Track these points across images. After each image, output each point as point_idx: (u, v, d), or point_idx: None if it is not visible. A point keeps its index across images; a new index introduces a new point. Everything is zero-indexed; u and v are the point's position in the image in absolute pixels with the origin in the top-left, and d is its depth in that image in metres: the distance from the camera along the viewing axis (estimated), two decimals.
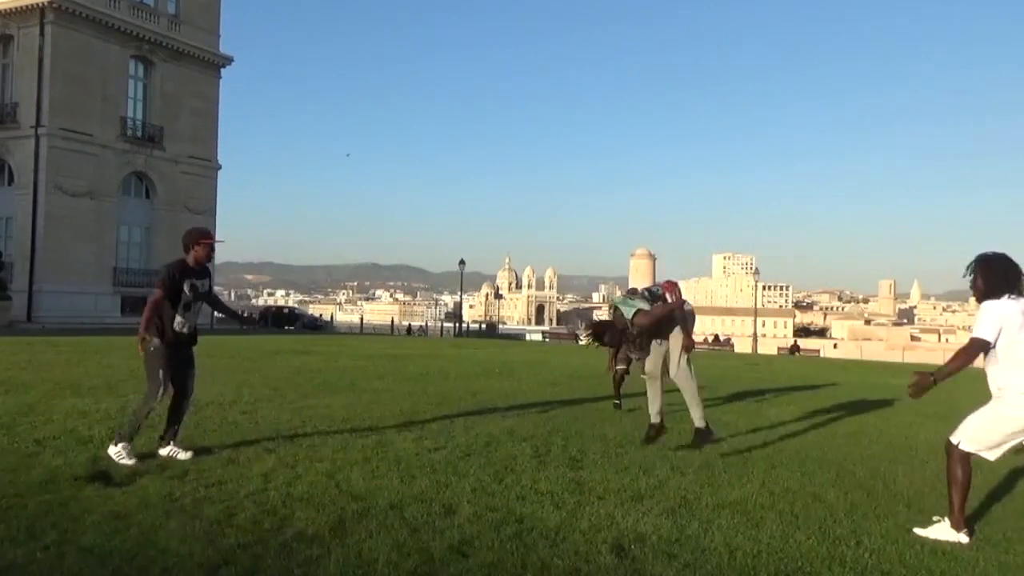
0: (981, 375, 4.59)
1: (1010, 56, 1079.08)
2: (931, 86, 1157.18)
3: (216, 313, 6.61)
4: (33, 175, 35.70)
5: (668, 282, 7.54)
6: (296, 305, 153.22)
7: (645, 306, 7.12)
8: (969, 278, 4.55)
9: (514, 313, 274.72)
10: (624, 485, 5.46)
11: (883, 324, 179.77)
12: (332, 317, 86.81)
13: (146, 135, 40.10)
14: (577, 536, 4.22)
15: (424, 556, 3.77)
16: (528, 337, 67.93)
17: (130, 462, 5.48)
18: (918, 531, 4.52)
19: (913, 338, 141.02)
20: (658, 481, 5.63)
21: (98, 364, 12.97)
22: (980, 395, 4.61)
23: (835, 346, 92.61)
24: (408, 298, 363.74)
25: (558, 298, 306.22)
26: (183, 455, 5.78)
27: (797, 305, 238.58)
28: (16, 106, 36.59)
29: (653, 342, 7.27)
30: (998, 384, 4.43)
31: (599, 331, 8.28)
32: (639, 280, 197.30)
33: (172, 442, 5.89)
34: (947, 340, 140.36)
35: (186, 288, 5.74)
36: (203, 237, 5.87)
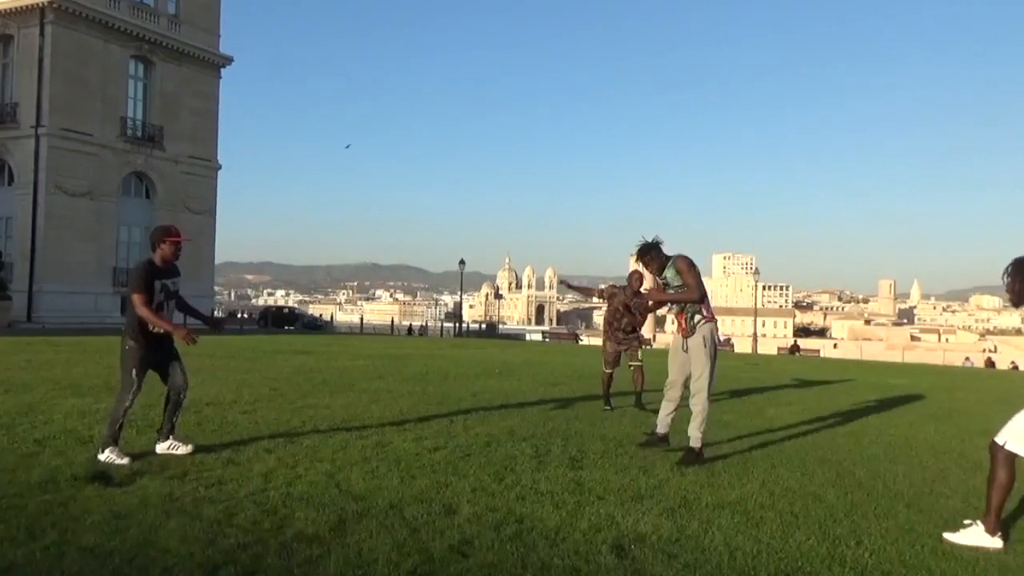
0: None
1: (1011, 56, 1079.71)
2: (930, 86, 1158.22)
3: (216, 298, 6.55)
4: (33, 175, 35.76)
5: (635, 273, 7.38)
6: (296, 305, 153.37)
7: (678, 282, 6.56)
8: (1007, 281, 4.46)
9: (514, 313, 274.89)
10: (624, 485, 5.46)
11: (883, 324, 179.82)
12: (332, 317, 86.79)
13: (146, 135, 40.15)
14: (577, 536, 4.22)
15: (424, 556, 3.77)
16: (528, 337, 67.89)
17: (123, 461, 5.47)
18: (948, 536, 4.40)
19: (913, 338, 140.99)
20: (658, 481, 5.63)
21: (98, 364, 12.97)
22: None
23: (835, 346, 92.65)
24: (408, 298, 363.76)
25: (558, 298, 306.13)
26: (182, 449, 5.80)
27: (797, 305, 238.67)
28: (16, 106, 36.65)
29: (678, 347, 6.69)
30: None
31: (610, 292, 9.45)
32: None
33: (171, 436, 5.90)
34: (947, 340, 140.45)
35: (157, 288, 5.73)
36: (168, 235, 5.83)
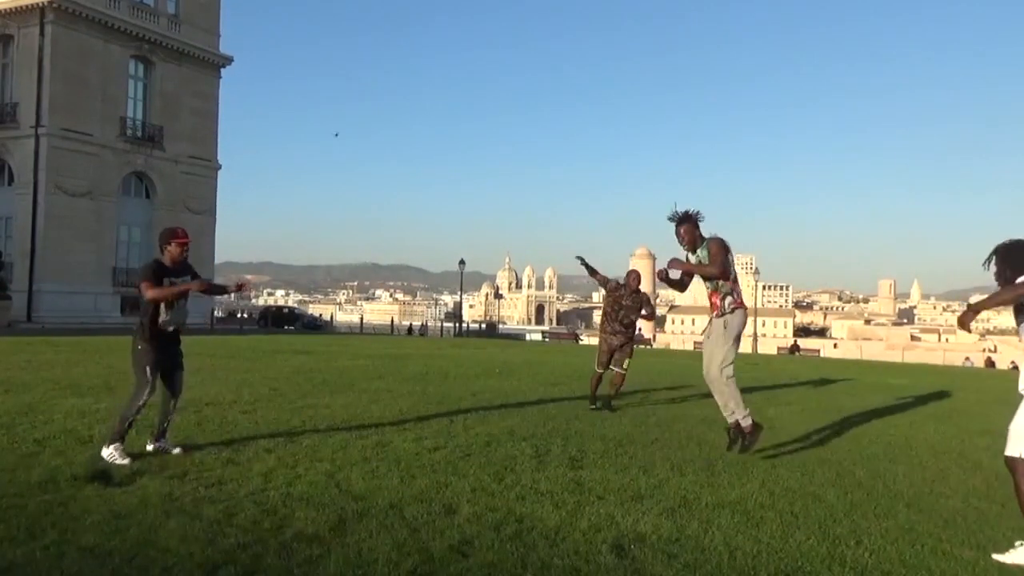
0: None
1: (1011, 56, 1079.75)
2: (930, 86, 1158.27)
3: (217, 298, 6.48)
4: (33, 175, 35.76)
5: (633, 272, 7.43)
6: (296, 305, 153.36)
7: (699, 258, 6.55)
8: (992, 269, 4.40)
9: (514, 313, 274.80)
10: (624, 485, 5.46)
11: (883, 324, 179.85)
12: (332, 317, 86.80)
13: (146, 135, 40.16)
14: (577, 536, 4.22)
15: (424, 556, 3.77)
16: (528, 337, 67.93)
17: (124, 461, 5.48)
18: (998, 557, 4.18)
19: (913, 338, 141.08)
20: (658, 481, 5.63)
21: (98, 364, 12.97)
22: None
23: (835, 346, 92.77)
24: (408, 298, 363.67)
25: (558, 298, 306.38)
26: (174, 451, 5.83)
27: (797, 305, 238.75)
28: (16, 106, 36.65)
29: (707, 335, 6.61)
30: None
31: (613, 286, 9.67)
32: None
33: (161, 440, 5.92)
34: (947, 340, 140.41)
35: (165, 284, 5.73)
36: (174, 237, 5.86)
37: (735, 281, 6.55)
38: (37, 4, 35.76)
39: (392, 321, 73.91)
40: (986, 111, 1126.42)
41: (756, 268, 77.77)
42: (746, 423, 6.39)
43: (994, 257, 4.43)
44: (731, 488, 5.49)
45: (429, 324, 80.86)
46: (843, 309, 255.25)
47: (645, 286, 10.42)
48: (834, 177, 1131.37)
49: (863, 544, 4.29)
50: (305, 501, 4.65)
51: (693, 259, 6.62)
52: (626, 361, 9.81)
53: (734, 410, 6.44)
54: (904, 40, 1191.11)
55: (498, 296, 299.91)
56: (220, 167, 44.65)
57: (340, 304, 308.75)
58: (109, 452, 5.56)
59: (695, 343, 60.24)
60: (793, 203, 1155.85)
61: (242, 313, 62.36)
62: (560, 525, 4.39)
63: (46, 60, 35.94)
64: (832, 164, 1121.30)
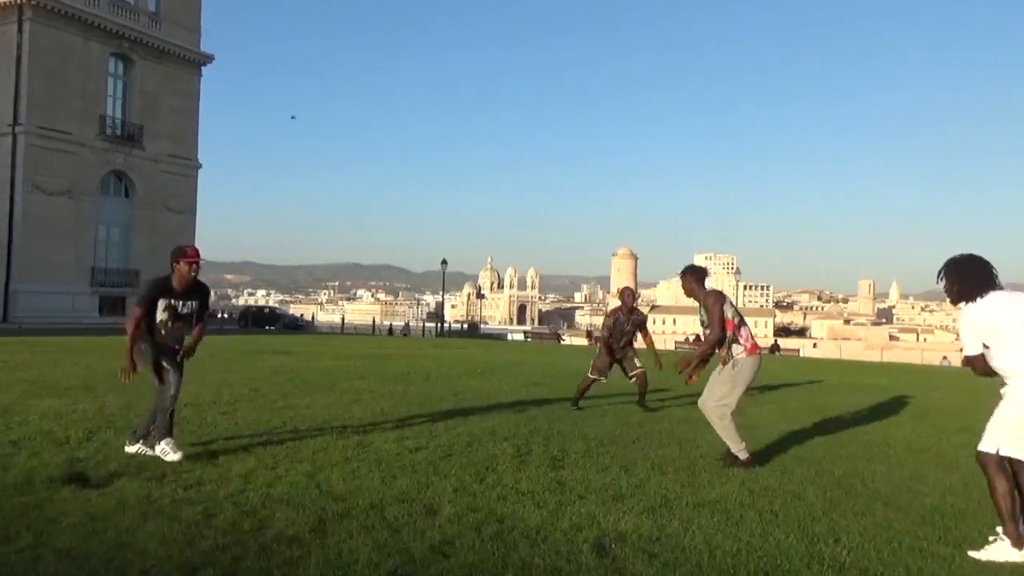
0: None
1: (987, 57, 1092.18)
2: (908, 87, 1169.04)
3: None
4: (10, 173, 35.39)
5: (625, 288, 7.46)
6: (277, 305, 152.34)
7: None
8: (943, 284, 4.51)
9: (496, 313, 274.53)
10: (605, 484, 5.47)
11: (862, 324, 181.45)
12: (313, 317, 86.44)
13: (125, 133, 39.83)
14: (558, 535, 4.22)
15: (405, 556, 3.77)
16: (510, 337, 67.91)
17: (176, 456, 5.51)
18: (974, 554, 4.22)
19: (892, 338, 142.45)
20: (639, 480, 5.65)
21: (75, 365, 12.85)
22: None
23: (815, 345, 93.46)
24: (390, 298, 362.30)
25: (540, 298, 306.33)
26: (150, 452, 5.74)
27: (778, 305, 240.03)
28: None
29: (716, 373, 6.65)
30: (1007, 376, 4.36)
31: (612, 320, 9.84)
32: (622, 280, 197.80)
33: (143, 440, 5.86)
34: (925, 340, 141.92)
35: (160, 308, 5.66)
36: (184, 256, 5.66)
37: (739, 327, 6.53)
38: (15, 1, 35.39)
39: (374, 321, 73.69)
40: (964, 112, 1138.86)
41: (737, 268, 78.26)
42: (743, 456, 6.37)
43: (944, 271, 4.50)
44: (711, 487, 5.52)
45: (411, 324, 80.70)
46: (823, 309, 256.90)
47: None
48: (815, 178, 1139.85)
49: (841, 542, 4.33)
50: (285, 502, 4.63)
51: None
52: (636, 360, 9.93)
53: (728, 443, 6.44)
54: (882, 40, 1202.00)
55: (480, 296, 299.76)
56: (200, 166, 44.37)
57: (321, 304, 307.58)
58: (161, 448, 5.60)
59: (676, 343, 60.51)
60: (774, 204, 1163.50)
61: (222, 313, 61.98)
62: (541, 525, 4.40)
63: (24, 57, 35.57)
64: (813, 165, 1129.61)
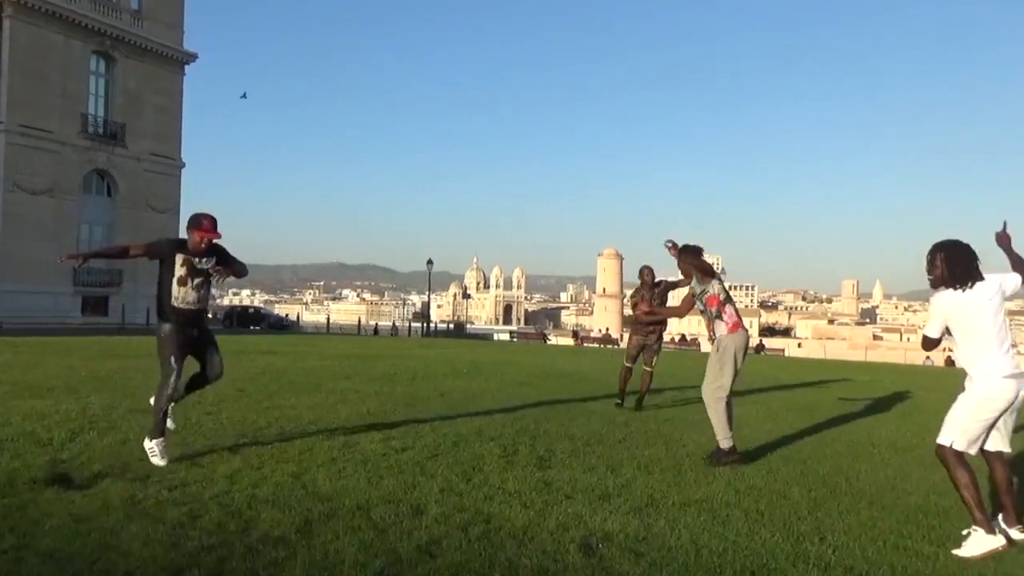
0: (941, 375, 4.63)
1: (971, 59, 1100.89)
2: (892, 88, 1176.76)
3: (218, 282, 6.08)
4: None
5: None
6: (262, 305, 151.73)
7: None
8: (937, 266, 4.50)
9: (482, 313, 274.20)
10: (591, 484, 5.48)
11: (846, 324, 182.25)
12: (298, 317, 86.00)
13: (108, 132, 39.55)
14: (545, 535, 4.23)
15: (391, 557, 3.76)
16: (496, 337, 67.90)
17: (162, 463, 5.42)
18: (957, 552, 4.24)
19: (875, 337, 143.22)
20: (625, 480, 5.66)
21: (58, 365, 12.73)
22: (941, 395, 4.64)
23: (799, 345, 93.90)
24: (375, 298, 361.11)
25: (526, 298, 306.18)
26: (159, 461, 5.51)
27: (763, 305, 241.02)
28: None
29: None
30: (970, 373, 4.45)
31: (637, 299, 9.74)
32: (608, 280, 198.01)
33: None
34: (908, 339, 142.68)
35: (178, 262, 5.60)
36: (198, 228, 5.62)
37: (724, 304, 6.64)
38: None
39: (359, 321, 73.42)
40: (948, 112, 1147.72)
41: (723, 268, 78.50)
42: (724, 444, 6.43)
43: (930, 256, 4.52)
44: (697, 487, 5.54)
45: (397, 324, 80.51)
46: (807, 309, 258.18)
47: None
48: (800, 178, 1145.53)
49: (827, 541, 4.35)
50: (271, 503, 4.61)
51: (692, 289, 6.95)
52: (653, 359, 9.99)
53: (715, 430, 6.50)
54: (865, 40, 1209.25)
55: (466, 296, 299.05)
56: (184, 165, 44.10)
57: (307, 304, 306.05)
58: (150, 447, 5.52)
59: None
60: (760, 204, 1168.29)
61: (206, 313, 61.47)
62: (528, 525, 4.40)
63: (4, 55, 35.25)
64: (797, 165, 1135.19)
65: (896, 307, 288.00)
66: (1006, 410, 4.40)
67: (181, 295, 5.65)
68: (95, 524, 4.06)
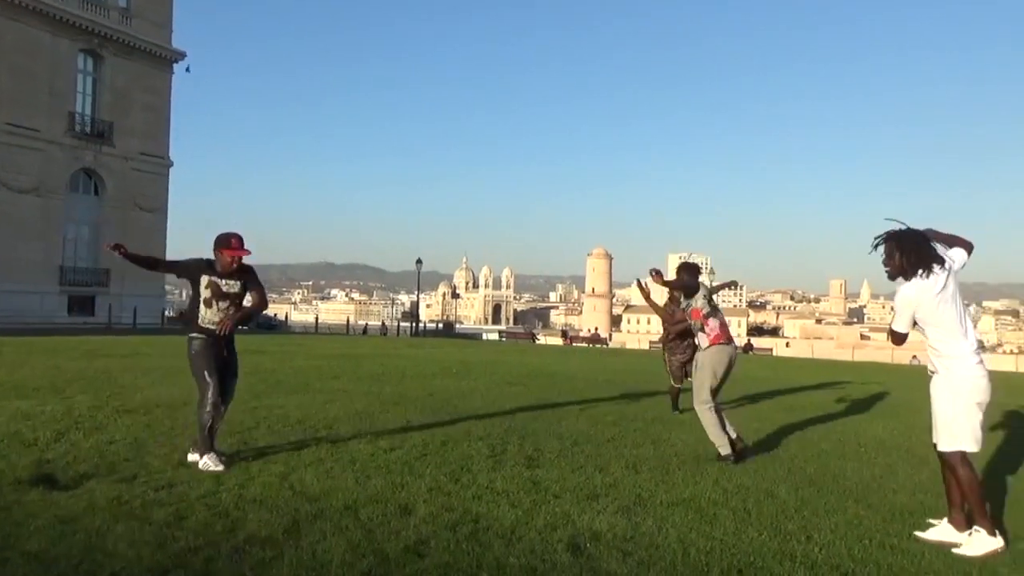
0: (927, 374, 4.63)
1: (957, 60, 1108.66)
2: (879, 89, 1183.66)
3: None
4: None
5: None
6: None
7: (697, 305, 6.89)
8: (881, 256, 4.48)
9: (471, 312, 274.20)
10: (579, 483, 5.48)
11: (834, 323, 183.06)
12: (287, 317, 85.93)
13: (95, 131, 39.28)
14: (533, 535, 4.23)
15: (379, 557, 3.75)
16: (485, 336, 67.93)
17: (219, 468, 5.37)
18: (959, 552, 4.24)
19: (863, 337, 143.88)
20: (613, 479, 5.67)
21: (44, 365, 12.65)
22: (927, 394, 4.63)
23: (787, 345, 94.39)
24: (364, 297, 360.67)
25: (515, 297, 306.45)
26: (214, 468, 5.41)
27: (751, 304, 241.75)
28: None
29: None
30: (938, 362, 4.42)
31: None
32: (597, 280, 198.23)
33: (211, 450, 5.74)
34: None
35: (203, 283, 5.59)
36: (226, 248, 5.58)
37: (708, 317, 6.75)
38: None
39: (348, 321, 73.32)
40: (936, 112, 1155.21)
41: (712, 268, 78.79)
42: (723, 452, 6.54)
43: (883, 245, 4.47)
44: (685, 486, 5.55)
45: (386, 324, 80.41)
46: (795, 309, 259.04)
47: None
48: (788, 178, 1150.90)
49: (813, 539, 4.37)
50: (258, 503, 4.60)
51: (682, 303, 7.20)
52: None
53: (711, 439, 6.62)
54: (855, 40, 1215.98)
55: (455, 296, 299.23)
56: (172, 164, 43.85)
57: (295, 304, 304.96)
58: (204, 463, 5.43)
59: (650, 343, 60.79)
60: (748, 204, 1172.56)
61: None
62: (516, 524, 4.40)
63: None
64: (785, 165, 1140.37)
65: (883, 307, 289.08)
66: (984, 398, 4.37)
67: (208, 316, 5.67)
68: (81, 525, 4.03)
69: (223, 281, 5.64)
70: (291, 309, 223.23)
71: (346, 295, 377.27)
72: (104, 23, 39.22)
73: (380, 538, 4.03)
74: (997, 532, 4.34)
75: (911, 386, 16.55)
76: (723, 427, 6.60)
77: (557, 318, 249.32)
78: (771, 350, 60.90)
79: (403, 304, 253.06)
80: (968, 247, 4.58)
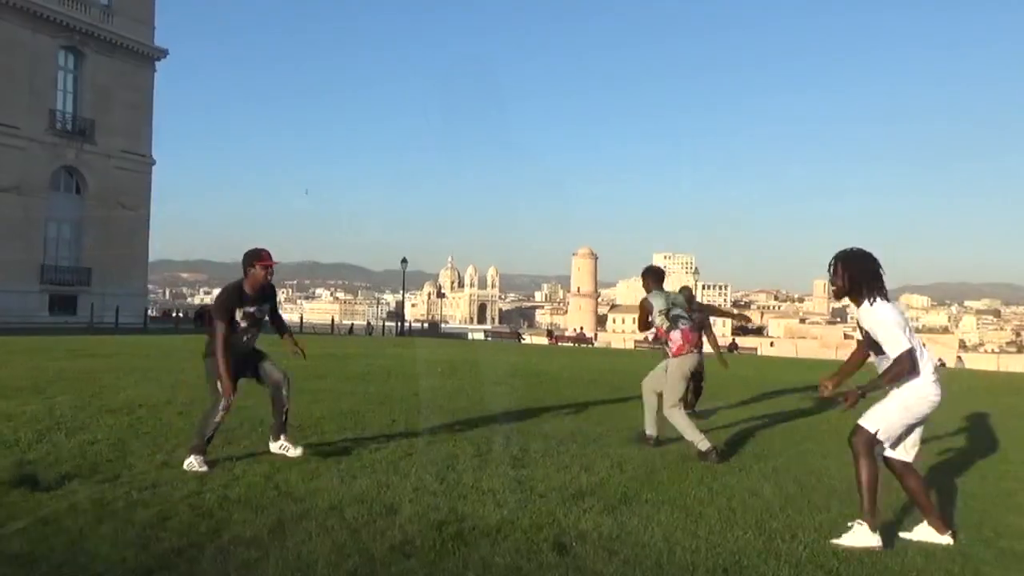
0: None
1: (941, 60, 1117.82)
2: (864, 89, 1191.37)
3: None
4: None
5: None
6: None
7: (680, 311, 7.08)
8: (832, 275, 4.54)
9: (456, 312, 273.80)
10: (565, 483, 5.49)
11: (818, 323, 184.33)
12: None
13: (76, 128, 38.94)
14: (519, 534, 4.23)
15: (365, 557, 3.74)
16: (470, 336, 67.86)
17: (203, 468, 5.35)
18: (837, 541, 4.31)
19: (846, 336, 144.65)
20: (599, 479, 5.68)
21: (25, 365, 12.54)
22: None
23: (772, 344, 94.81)
24: (349, 297, 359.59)
25: (501, 297, 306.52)
26: (292, 452, 5.73)
27: (736, 304, 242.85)
28: None
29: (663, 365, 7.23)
30: (906, 379, 4.39)
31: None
32: (582, 279, 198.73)
33: (282, 435, 5.86)
34: None
35: (239, 316, 5.62)
36: (259, 260, 5.67)
37: (669, 331, 6.98)
38: None
39: (333, 320, 73.05)
40: (922, 113, 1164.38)
41: (696, 268, 79.01)
42: (702, 447, 6.62)
43: (834, 265, 4.54)
44: (671, 485, 5.57)
45: (372, 323, 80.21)
46: (779, 308, 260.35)
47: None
48: (772, 178, 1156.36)
49: (798, 538, 4.39)
50: (242, 503, 4.57)
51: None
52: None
53: (688, 438, 6.74)
54: (847, 40, 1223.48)
55: (440, 295, 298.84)
56: (154, 162, 43.54)
57: (280, 303, 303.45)
58: (188, 463, 5.41)
59: (636, 342, 60.93)
60: (732, 204, 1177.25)
61: (177, 312, 60.94)
62: (502, 524, 4.40)
63: None
64: (770, 166, 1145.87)
65: None
66: (928, 415, 4.42)
67: (234, 340, 5.67)
68: (63, 526, 4.00)
69: (255, 308, 5.73)
70: None
71: (331, 294, 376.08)
72: (85, 20, 38.88)
73: (366, 538, 4.02)
74: (879, 531, 4.32)
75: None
76: (689, 427, 6.81)
77: (543, 317, 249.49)
78: (756, 350, 61.20)
79: (388, 304, 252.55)
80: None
